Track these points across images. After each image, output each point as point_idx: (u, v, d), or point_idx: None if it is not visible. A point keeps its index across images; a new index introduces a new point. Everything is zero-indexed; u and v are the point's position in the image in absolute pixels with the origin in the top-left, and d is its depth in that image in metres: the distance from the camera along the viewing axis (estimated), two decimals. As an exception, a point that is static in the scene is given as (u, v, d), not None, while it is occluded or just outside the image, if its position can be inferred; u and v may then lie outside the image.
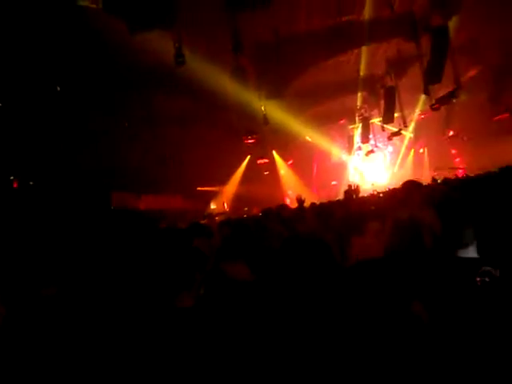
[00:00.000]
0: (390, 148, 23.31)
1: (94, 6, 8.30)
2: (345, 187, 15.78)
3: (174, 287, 1.74)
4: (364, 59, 17.50)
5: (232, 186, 19.90)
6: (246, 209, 18.94)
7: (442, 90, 13.98)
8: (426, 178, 17.44)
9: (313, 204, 6.86)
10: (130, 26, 8.29)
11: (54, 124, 10.91)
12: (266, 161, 19.10)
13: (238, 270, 2.09)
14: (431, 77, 12.66)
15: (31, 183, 9.86)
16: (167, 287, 1.75)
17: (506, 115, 18.43)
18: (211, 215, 10.37)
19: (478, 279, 1.88)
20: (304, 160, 22.39)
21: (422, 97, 16.00)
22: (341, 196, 13.08)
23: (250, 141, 15.75)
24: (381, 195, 9.78)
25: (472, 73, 17.42)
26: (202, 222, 9.76)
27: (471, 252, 2.08)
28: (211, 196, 19.25)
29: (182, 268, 1.76)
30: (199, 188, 18.60)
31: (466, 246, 2.10)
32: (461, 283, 1.91)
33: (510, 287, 1.80)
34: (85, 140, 12.35)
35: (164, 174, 16.93)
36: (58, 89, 11.43)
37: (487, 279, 1.86)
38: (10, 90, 9.20)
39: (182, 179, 17.55)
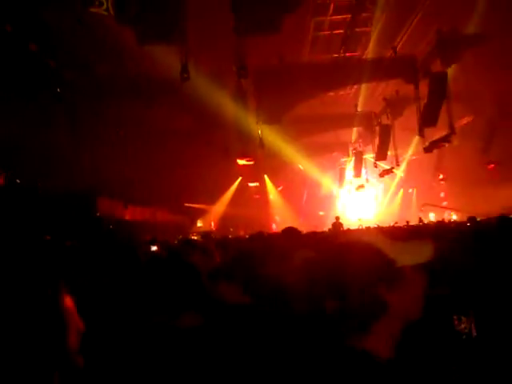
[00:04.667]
0: (381, 185, 23.56)
1: (105, 13, 8.38)
2: (332, 219, 15.90)
3: (174, 307, 1.69)
4: (363, 96, 17.89)
5: (220, 206, 19.85)
6: (231, 229, 18.85)
7: (435, 134, 14.28)
8: (412, 218, 17.64)
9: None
10: (139, 37, 8.37)
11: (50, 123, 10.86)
12: (257, 184, 19.15)
13: (232, 291, 2.06)
14: (427, 120, 12.94)
15: (18, 181, 9.71)
16: (168, 307, 1.69)
17: (493, 166, 18.87)
18: (207, 234, 10.28)
19: (455, 317, 1.90)
20: (294, 187, 22.51)
21: (416, 138, 16.28)
22: (328, 227, 13.17)
23: (243, 163, 15.81)
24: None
25: (465, 120, 17.86)
26: (194, 238, 9.67)
27: (446, 291, 2.14)
28: (199, 213, 19.15)
29: (182, 286, 1.71)
30: (187, 204, 18.51)
31: (445, 285, 2.15)
32: (439, 320, 1.92)
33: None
34: (77, 143, 12.29)
35: (153, 186, 16.85)
36: (58, 90, 11.44)
37: (463, 317, 1.89)
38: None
39: (171, 193, 17.47)
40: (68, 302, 1.20)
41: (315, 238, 5.20)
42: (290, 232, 3.96)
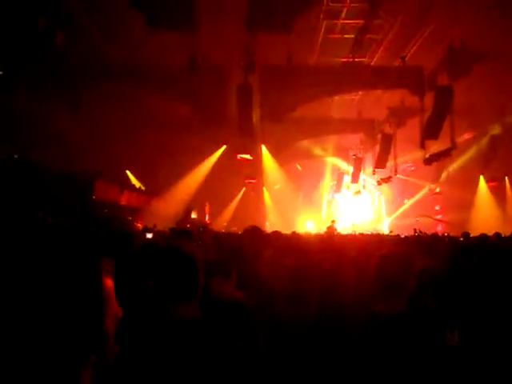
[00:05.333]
0: (378, 192, 23.60)
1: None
2: (327, 222, 15.95)
3: (175, 297, 1.68)
4: (367, 102, 17.90)
5: (215, 199, 19.79)
6: (224, 224, 18.84)
7: (435, 147, 14.32)
8: (407, 228, 17.70)
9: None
10: (150, 21, 8.34)
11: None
12: (254, 181, 19.14)
13: (226, 285, 2.08)
14: (429, 132, 12.97)
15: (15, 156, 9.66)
16: (164, 296, 1.69)
17: (495, 183, 18.97)
18: (204, 226, 10.23)
19: (447, 330, 1.93)
20: (291, 187, 22.50)
21: (416, 149, 16.33)
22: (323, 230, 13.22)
23: (242, 156, 15.82)
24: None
25: (467, 136, 17.92)
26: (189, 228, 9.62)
27: (442, 305, 2.18)
28: (193, 204, 19.13)
29: (179, 277, 1.71)
30: (182, 194, 18.48)
31: (438, 298, 2.19)
32: (431, 333, 1.94)
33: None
34: (78, 123, 12.27)
35: (150, 173, 16.86)
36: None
37: (455, 330, 1.92)
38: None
39: (167, 182, 17.47)
40: (108, 283, 1.20)
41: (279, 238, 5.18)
42: (253, 232, 3.99)
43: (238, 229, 13.24)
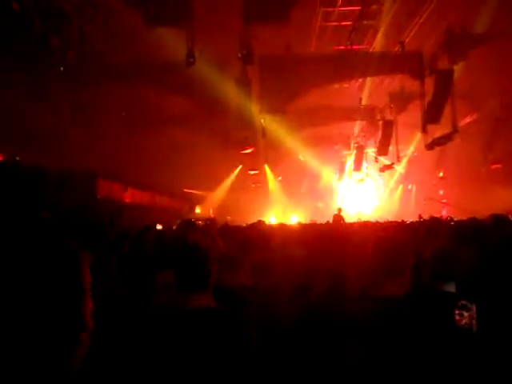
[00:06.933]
0: (381, 180, 23.56)
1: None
2: (332, 210, 15.91)
3: (189, 287, 1.70)
4: (367, 89, 17.80)
5: (219, 194, 19.85)
6: (228, 217, 18.87)
7: (438, 131, 14.25)
8: (411, 214, 17.68)
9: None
10: (146, 18, 8.29)
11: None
12: (257, 172, 19.15)
13: (238, 276, 2.09)
14: (430, 117, 12.89)
15: (17, 158, 9.67)
16: (177, 287, 1.71)
17: (498, 166, 18.87)
18: (211, 219, 10.26)
19: (457, 312, 1.95)
20: (294, 178, 22.50)
21: (418, 135, 16.25)
22: (328, 219, 13.19)
23: (245, 151, 15.79)
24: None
25: (469, 119, 17.81)
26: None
27: (450, 287, 2.18)
28: (198, 200, 19.17)
29: (192, 268, 1.72)
30: (186, 189, 18.51)
31: (446, 281, 2.19)
32: (440, 315, 1.95)
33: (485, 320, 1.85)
34: (79, 122, 12.25)
35: (153, 170, 16.84)
36: (62, 69, 11.36)
37: (465, 312, 1.93)
38: None
39: (171, 178, 17.46)
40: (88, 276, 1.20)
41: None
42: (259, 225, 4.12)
43: (242, 222, 13.26)
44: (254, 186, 19.34)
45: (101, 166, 11.82)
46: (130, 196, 13.76)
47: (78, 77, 12.08)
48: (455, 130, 13.00)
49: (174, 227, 7.26)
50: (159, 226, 5.95)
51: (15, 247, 0.67)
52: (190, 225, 3.44)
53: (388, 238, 2.19)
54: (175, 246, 1.92)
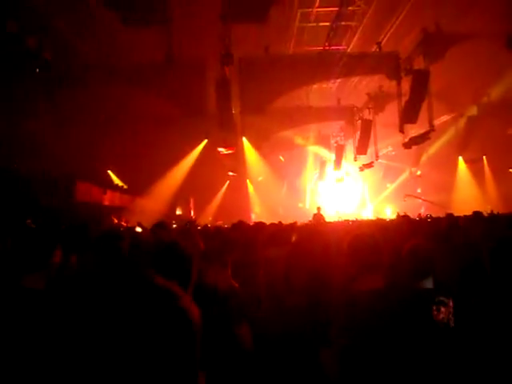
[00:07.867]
0: (361, 178, 23.79)
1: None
2: (311, 211, 16.02)
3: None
4: (346, 90, 17.98)
5: (199, 195, 19.70)
6: (210, 219, 18.79)
7: (414, 130, 14.50)
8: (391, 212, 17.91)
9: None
10: (124, 19, 8.21)
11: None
12: (236, 174, 19.10)
13: (221, 276, 2.09)
14: (407, 116, 13.10)
15: None
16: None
17: (473, 164, 19.35)
18: (191, 222, 10.22)
19: (434, 307, 2.00)
20: (274, 178, 22.54)
21: (396, 134, 16.51)
22: (309, 218, 13.28)
23: (225, 152, 15.76)
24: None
25: (445, 118, 18.19)
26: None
27: (428, 283, 2.23)
28: (177, 201, 19.00)
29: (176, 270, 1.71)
30: (165, 191, 18.32)
31: (423, 278, 2.25)
32: (418, 311, 2.00)
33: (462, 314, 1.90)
34: (56, 126, 12.04)
35: (132, 171, 16.65)
36: (37, 70, 11.14)
37: (442, 307, 1.98)
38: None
39: (149, 179, 17.29)
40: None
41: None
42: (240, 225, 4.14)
43: (223, 223, 13.23)
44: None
45: (79, 169, 11.64)
46: (109, 198, 13.57)
47: (54, 78, 11.86)
48: (432, 129, 13.24)
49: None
50: (139, 229, 5.88)
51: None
52: (161, 226, 3.43)
53: (363, 236, 2.23)
54: (153, 247, 1.91)
